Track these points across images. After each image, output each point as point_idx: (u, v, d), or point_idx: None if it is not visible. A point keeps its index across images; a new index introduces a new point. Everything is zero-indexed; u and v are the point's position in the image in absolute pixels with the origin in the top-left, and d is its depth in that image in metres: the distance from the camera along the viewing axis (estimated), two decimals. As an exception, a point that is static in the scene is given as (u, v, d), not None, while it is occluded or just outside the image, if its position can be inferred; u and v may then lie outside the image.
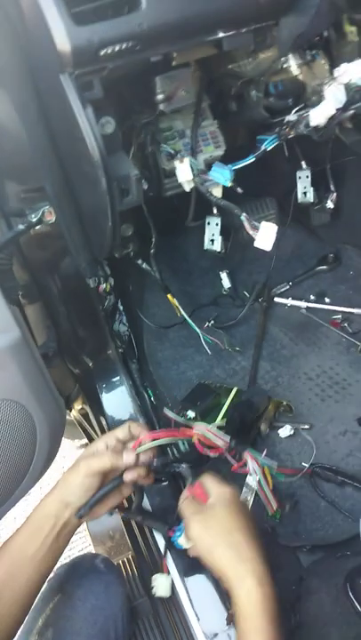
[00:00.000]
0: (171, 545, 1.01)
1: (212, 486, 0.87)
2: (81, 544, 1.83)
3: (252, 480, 1.02)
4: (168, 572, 1.02)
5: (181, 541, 0.95)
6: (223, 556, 0.78)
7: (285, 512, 1.05)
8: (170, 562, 1.03)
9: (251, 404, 1.14)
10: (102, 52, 0.73)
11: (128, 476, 0.90)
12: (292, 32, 0.87)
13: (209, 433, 1.02)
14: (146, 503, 1.10)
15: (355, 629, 0.95)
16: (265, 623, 0.74)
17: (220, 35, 0.83)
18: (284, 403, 1.23)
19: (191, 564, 1.00)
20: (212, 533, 0.80)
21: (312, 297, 1.53)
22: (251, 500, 1.03)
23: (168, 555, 1.03)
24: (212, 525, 0.81)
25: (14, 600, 0.82)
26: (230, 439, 1.03)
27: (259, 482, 1.01)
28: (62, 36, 0.70)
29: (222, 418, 1.17)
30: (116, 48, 0.73)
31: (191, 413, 1.17)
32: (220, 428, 1.10)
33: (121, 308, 1.44)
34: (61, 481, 0.91)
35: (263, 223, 0.95)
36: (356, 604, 0.96)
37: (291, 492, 1.12)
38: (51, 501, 0.88)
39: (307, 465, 1.14)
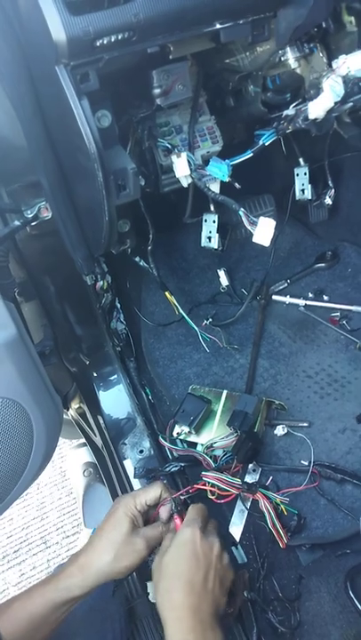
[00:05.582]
0: None
1: (184, 524, 0.88)
2: (79, 544, 1.81)
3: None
4: None
5: None
6: (158, 597, 0.82)
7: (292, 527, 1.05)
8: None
9: (249, 420, 1.14)
10: (98, 43, 0.72)
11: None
12: (291, 24, 0.86)
13: (220, 483, 1.05)
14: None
15: (355, 628, 0.94)
16: None
17: (218, 26, 0.82)
18: (276, 402, 1.23)
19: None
20: (158, 573, 0.83)
21: (310, 294, 1.52)
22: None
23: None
24: (163, 565, 0.83)
25: None
26: (242, 482, 1.06)
27: (271, 519, 1.03)
28: (58, 26, 0.69)
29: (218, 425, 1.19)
30: (112, 38, 0.72)
31: (185, 429, 1.17)
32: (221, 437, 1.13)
33: (118, 305, 1.43)
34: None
35: (261, 219, 0.94)
36: (357, 602, 0.96)
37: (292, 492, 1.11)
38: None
39: (306, 463, 1.13)
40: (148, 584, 1.01)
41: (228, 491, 1.05)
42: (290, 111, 1.05)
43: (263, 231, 0.94)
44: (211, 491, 1.06)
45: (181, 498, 0.99)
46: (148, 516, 0.96)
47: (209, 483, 1.05)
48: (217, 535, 0.88)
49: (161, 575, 0.83)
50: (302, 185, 1.46)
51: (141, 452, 1.21)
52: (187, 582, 0.79)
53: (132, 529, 0.89)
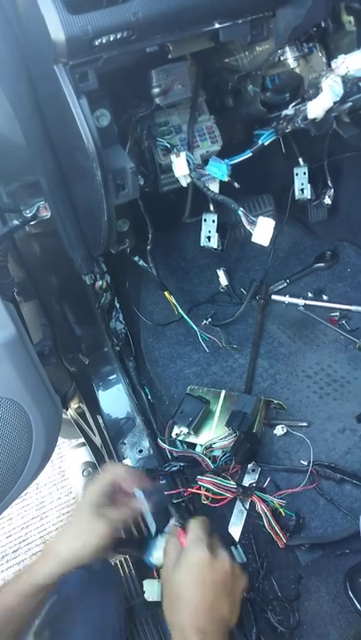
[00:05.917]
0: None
1: (191, 543, 0.85)
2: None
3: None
4: (158, 578, 1.02)
5: (154, 560, 0.93)
6: (166, 613, 0.81)
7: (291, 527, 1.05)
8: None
9: (248, 420, 1.14)
10: (97, 42, 0.72)
11: None
12: (290, 23, 0.86)
13: (215, 487, 1.06)
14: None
15: (354, 628, 0.94)
16: None
17: (217, 25, 0.82)
18: (275, 401, 1.22)
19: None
20: (167, 589, 0.83)
21: (310, 294, 1.52)
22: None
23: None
24: (172, 584, 0.82)
25: None
26: (238, 486, 1.06)
27: (269, 521, 1.03)
28: (56, 26, 0.69)
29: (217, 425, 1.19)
30: (111, 38, 0.72)
31: (184, 429, 1.17)
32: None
33: (117, 305, 1.43)
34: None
35: (261, 218, 0.94)
36: (356, 602, 0.96)
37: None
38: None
39: (305, 463, 1.13)
40: (145, 582, 1.01)
41: (224, 495, 1.06)
42: (289, 111, 1.05)
43: (262, 231, 0.94)
44: (205, 495, 1.06)
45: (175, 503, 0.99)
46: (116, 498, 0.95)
47: (204, 487, 1.05)
48: (223, 549, 0.86)
49: (170, 594, 0.82)
50: (302, 185, 1.46)
51: (141, 451, 1.21)
52: (195, 607, 0.78)
53: (94, 513, 0.87)
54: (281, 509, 1.05)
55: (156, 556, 0.92)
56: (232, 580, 0.83)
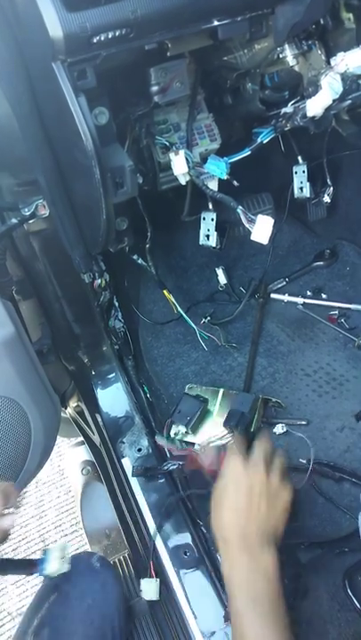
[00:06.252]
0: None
1: (228, 456, 0.93)
2: (77, 543, 1.81)
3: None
4: (155, 576, 1.03)
5: (48, 571, 0.86)
6: (212, 526, 0.88)
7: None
8: (166, 561, 1.03)
9: (245, 419, 1.14)
10: (95, 40, 0.71)
11: None
12: (288, 20, 0.86)
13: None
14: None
15: (353, 627, 0.94)
16: (241, 606, 0.77)
17: (216, 23, 0.81)
18: (273, 400, 1.22)
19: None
20: (213, 505, 0.89)
21: (309, 293, 1.52)
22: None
23: (158, 558, 1.03)
24: (214, 497, 0.89)
25: None
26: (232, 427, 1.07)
27: None
28: (54, 23, 0.68)
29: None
30: (110, 35, 0.71)
31: (182, 428, 1.17)
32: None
33: (116, 303, 1.43)
34: None
35: (260, 216, 0.94)
36: (355, 600, 0.96)
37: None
38: None
39: (304, 461, 1.13)
40: (143, 581, 1.01)
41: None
42: (288, 109, 1.05)
43: (261, 229, 0.94)
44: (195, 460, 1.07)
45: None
46: None
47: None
48: (263, 462, 0.91)
49: (214, 506, 0.89)
50: (301, 183, 1.45)
51: (139, 450, 1.21)
52: (231, 507, 0.86)
53: None
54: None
55: (50, 569, 0.86)
56: (274, 489, 0.88)
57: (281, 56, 1.05)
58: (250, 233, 0.95)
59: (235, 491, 0.87)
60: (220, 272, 1.59)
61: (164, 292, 1.35)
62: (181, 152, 1.02)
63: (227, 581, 0.81)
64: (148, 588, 1.01)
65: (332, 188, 1.49)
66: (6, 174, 1.02)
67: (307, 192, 1.45)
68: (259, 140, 1.06)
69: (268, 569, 0.79)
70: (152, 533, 1.07)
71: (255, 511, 0.84)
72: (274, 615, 0.75)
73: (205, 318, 1.46)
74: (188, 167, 1.03)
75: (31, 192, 1.03)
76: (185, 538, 1.06)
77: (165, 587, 1.03)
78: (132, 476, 1.15)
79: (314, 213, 1.63)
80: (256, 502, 0.85)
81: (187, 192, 1.18)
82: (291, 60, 1.05)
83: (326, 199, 1.50)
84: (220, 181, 1.08)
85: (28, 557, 0.95)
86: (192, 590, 0.99)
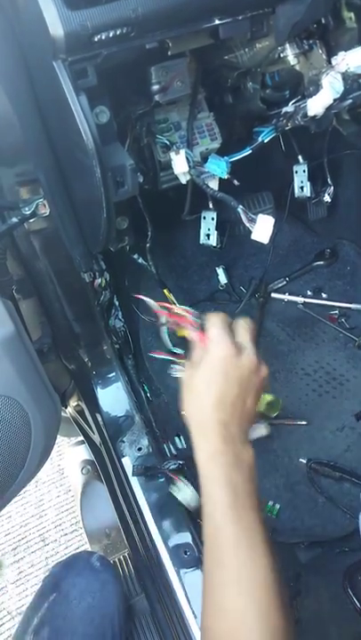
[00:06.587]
0: None
1: (213, 339, 0.79)
2: (77, 542, 1.82)
3: None
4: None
5: None
6: (187, 415, 0.77)
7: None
8: (166, 561, 1.03)
9: None
10: (96, 38, 0.71)
11: None
12: (289, 20, 0.86)
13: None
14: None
15: (354, 626, 0.94)
16: (216, 491, 0.69)
17: (217, 22, 0.81)
18: (272, 398, 1.22)
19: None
20: (188, 391, 0.79)
21: (309, 292, 1.52)
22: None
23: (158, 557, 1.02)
24: (194, 384, 0.78)
25: None
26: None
27: None
28: (55, 21, 0.68)
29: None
30: (111, 34, 0.71)
31: None
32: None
33: (117, 303, 1.43)
34: None
35: (260, 216, 0.94)
36: (355, 600, 0.96)
37: (289, 487, 1.11)
38: None
39: (304, 461, 1.13)
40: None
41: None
42: (289, 108, 1.05)
43: (262, 228, 0.94)
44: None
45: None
46: None
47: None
48: (251, 344, 0.81)
49: (191, 394, 0.79)
50: (301, 182, 1.45)
51: (140, 449, 1.20)
52: (218, 400, 0.75)
53: None
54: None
55: None
56: (258, 379, 0.79)
57: (282, 55, 1.04)
58: (250, 232, 0.95)
59: (223, 383, 0.76)
60: (220, 271, 1.59)
61: (165, 291, 1.35)
62: (182, 151, 1.02)
63: (203, 472, 0.72)
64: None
65: (332, 188, 1.49)
66: (7, 171, 1.02)
67: (307, 191, 1.45)
68: (259, 140, 1.06)
69: (250, 465, 0.72)
70: (152, 533, 1.07)
71: (241, 406, 0.76)
72: (255, 524, 0.69)
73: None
74: (189, 166, 1.02)
75: (31, 191, 1.03)
76: (185, 537, 1.06)
77: (165, 586, 1.03)
78: (133, 475, 1.15)
79: (314, 213, 1.63)
80: (243, 397, 0.76)
81: (187, 191, 1.18)
82: (292, 60, 1.04)
83: (327, 199, 1.50)
84: (221, 180, 1.08)
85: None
86: (192, 590, 0.99)
